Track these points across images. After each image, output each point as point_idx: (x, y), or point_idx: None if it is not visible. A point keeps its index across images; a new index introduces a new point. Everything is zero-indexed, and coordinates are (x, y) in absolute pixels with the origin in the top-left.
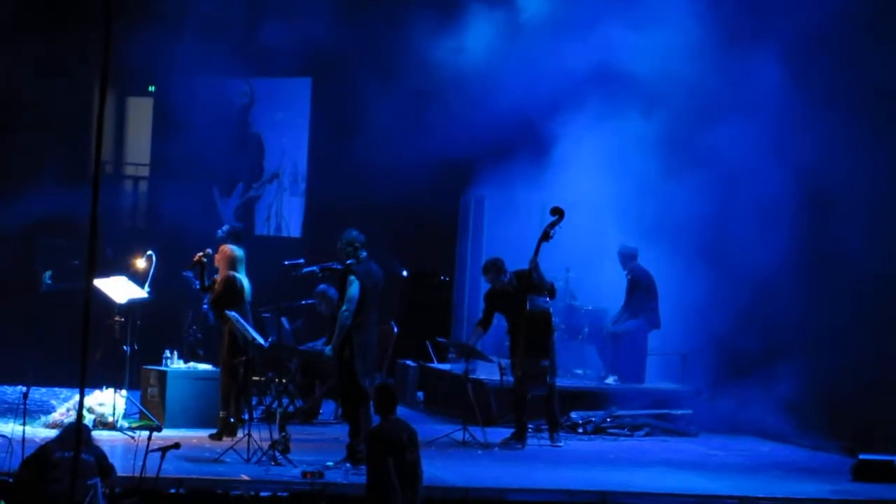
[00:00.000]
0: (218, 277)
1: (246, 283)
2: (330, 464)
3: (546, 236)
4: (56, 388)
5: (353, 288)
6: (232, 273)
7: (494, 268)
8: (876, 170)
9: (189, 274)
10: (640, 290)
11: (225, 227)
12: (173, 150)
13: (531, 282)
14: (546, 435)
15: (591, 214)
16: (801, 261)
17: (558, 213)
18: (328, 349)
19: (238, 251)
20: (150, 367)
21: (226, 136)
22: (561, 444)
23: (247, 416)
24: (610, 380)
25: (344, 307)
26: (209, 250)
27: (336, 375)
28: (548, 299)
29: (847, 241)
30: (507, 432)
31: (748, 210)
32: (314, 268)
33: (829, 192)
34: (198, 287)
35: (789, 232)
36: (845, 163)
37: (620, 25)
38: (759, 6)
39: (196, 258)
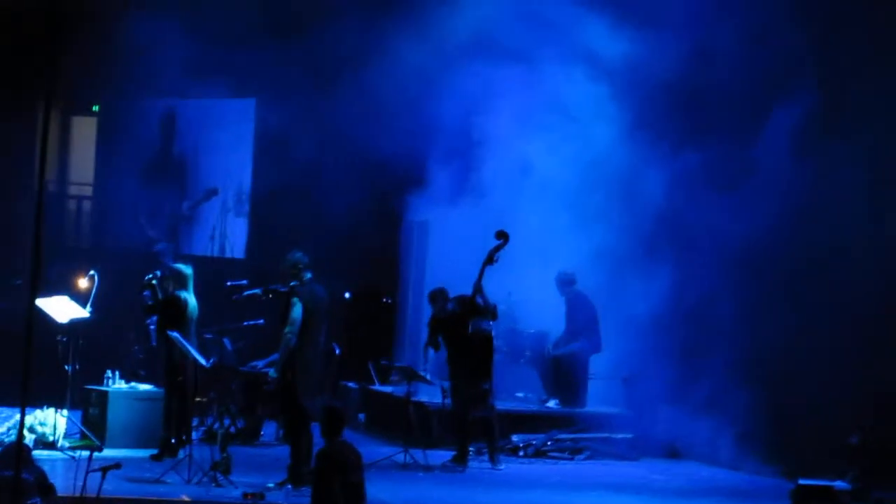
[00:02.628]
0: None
1: (192, 302)
2: (271, 485)
3: (490, 260)
4: None
5: (296, 310)
6: (176, 292)
7: (441, 296)
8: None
9: (147, 293)
10: (578, 314)
11: (162, 246)
12: (116, 170)
13: (474, 305)
14: (487, 457)
15: (533, 238)
16: (741, 286)
17: (503, 236)
18: (272, 371)
19: (187, 269)
20: (91, 387)
21: (157, 156)
22: (502, 467)
23: (186, 437)
24: (551, 403)
25: (287, 329)
26: (158, 272)
27: (276, 397)
28: (490, 322)
29: (791, 263)
30: (448, 455)
31: (685, 232)
32: (257, 290)
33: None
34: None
35: (729, 256)
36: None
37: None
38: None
39: (146, 282)
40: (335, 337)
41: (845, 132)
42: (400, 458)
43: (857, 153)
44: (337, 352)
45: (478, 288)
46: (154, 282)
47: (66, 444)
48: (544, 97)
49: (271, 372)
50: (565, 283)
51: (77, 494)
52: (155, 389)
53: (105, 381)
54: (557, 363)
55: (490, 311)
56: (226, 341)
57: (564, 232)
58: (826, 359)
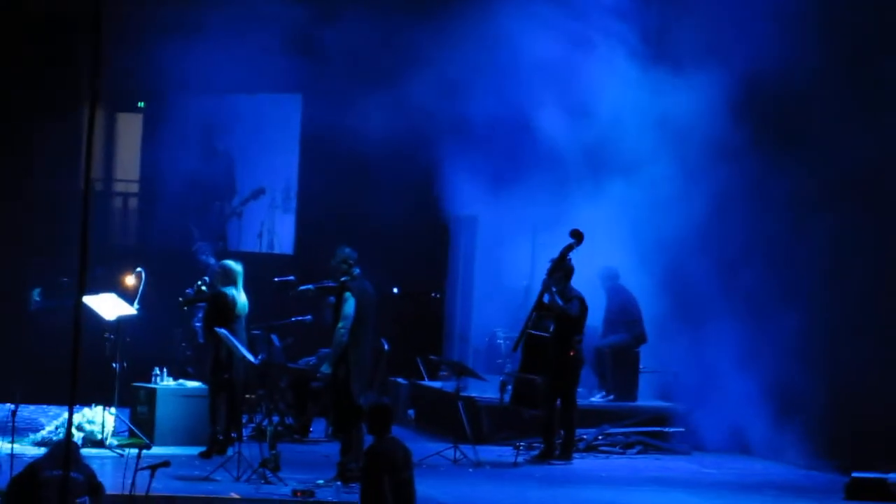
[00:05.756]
0: None
1: (240, 299)
2: (321, 482)
3: (563, 259)
4: (45, 406)
5: (349, 305)
6: (222, 289)
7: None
8: None
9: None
10: (615, 308)
11: (200, 245)
12: (162, 167)
13: (541, 303)
14: (536, 453)
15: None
16: (792, 278)
17: (577, 236)
18: (325, 367)
19: (236, 266)
20: (139, 384)
21: (203, 152)
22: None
23: (236, 434)
24: (596, 397)
25: (340, 324)
26: (206, 278)
27: (328, 393)
28: (552, 322)
29: (838, 255)
30: (498, 450)
31: (741, 225)
32: (309, 286)
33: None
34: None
35: (772, 247)
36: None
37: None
38: None
39: (196, 288)
40: (383, 332)
41: None
42: (450, 454)
43: None
44: (386, 347)
45: (546, 286)
46: (203, 288)
47: (115, 443)
48: (601, 87)
49: (323, 367)
50: (608, 278)
51: (126, 493)
52: (203, 386)
53: (153, 378)
54: (603, 356)
55: (556, 311)
56: (273, 338)
57: (616, 226)
58: (883, 352)
